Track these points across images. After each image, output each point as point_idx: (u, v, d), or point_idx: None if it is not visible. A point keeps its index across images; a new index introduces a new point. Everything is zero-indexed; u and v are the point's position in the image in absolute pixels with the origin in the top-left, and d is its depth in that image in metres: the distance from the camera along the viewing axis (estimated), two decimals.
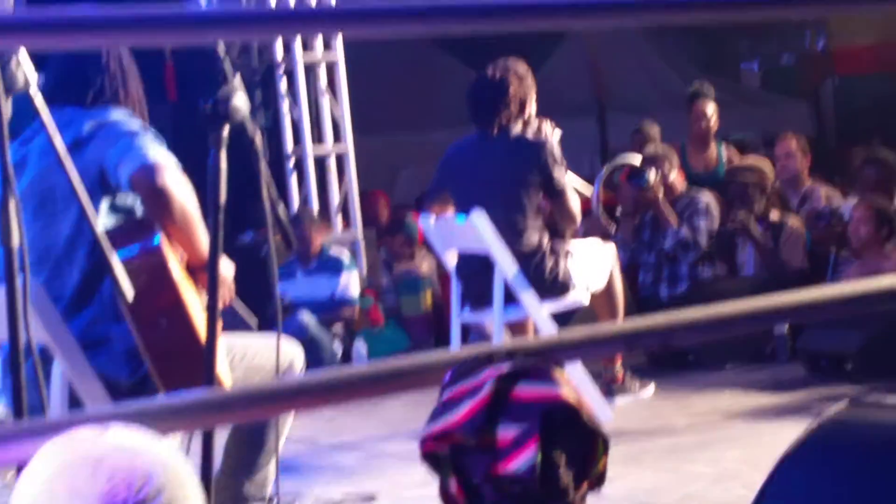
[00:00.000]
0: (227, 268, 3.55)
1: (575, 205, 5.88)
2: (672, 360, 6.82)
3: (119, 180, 3.40)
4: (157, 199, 3.33)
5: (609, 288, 6.09)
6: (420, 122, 13.74)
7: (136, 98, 3.67)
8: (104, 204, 3.46)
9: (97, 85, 3.60)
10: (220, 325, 3.62)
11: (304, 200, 9.43)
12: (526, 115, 5.90)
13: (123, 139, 3.41)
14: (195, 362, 3.16)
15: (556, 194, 5.80)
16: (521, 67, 5.93)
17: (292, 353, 3.75)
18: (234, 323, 3.83)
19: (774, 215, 7.36)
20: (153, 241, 3.31)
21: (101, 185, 3.43)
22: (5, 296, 2.45)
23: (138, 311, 3.23)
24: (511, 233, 5.67)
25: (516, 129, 5.84)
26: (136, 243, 3.30)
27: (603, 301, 6.11)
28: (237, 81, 2.46)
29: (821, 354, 6.38)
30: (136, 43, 1.52)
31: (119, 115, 3.56)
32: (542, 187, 5.77)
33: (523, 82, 5.88)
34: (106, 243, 2.79)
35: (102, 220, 3.43)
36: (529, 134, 5.86)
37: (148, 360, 3.28)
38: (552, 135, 5.98)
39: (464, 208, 5.77)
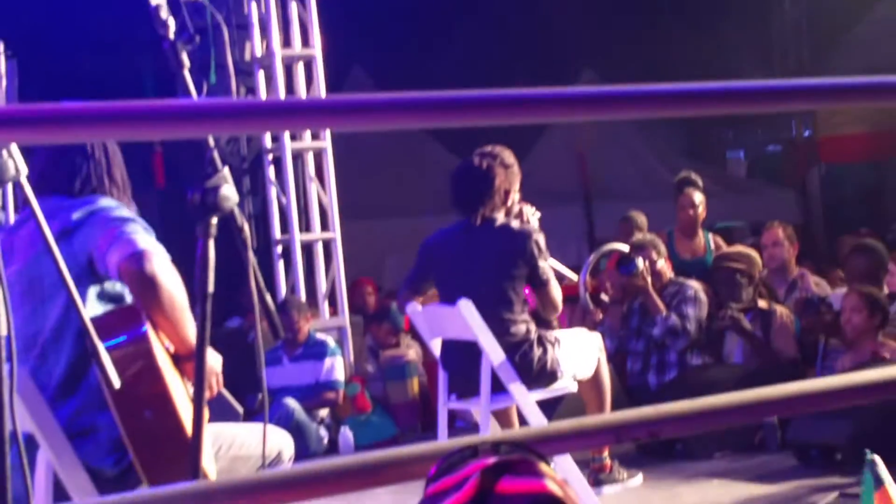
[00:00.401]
0: (214, 358, 3.54)
1: (557, 294, 5.88)
2: (660, 449, 6.79)
3: (107, 268, 3.40)
4: (145, 288, 3.32)
5: (596, 377, 6.07)
6: (407, 208, 13.81)
7: (122, 185, 3.68)
8: (92, 292, 3.46)
9: (83, 173, 3.61)
10: (206, 415, 3.60)
11: (292, 287, 9.44)
12: (509, 203, 5.92)
13: (112, 227, 3.41)
14: (180, 453, 3.14)
15: (540, 284, 5.80)
16: (508, 156, 5.95)
17: (280, 442, 3.72)
18: (221, 411, 3.80)
19: (763, 304, 7.37)
20: (140, 331, 3.30)
21: (89, 273, 3.43)
22: None
23: (123, 400, 3.21)
24: (498, 323, 5.66)
25: (500, 217, 5.85)
26: (124, 332, 3.29)
27: (591, 390, 6.10)
28: (226, 171, 2.47)
29: (811, 445, 6.35)
30: (127, 137, 1.54)
31: (107, 203, 3.56)
32: (527, 278, 5.77)
33: (509, 171, 5.89)
34: (92, 331, 2.78)
35: (90, 308, 3.42)
36: (513, 223, 5.87)
37: (132, 451, 3.25)
38: (533, 217, 6.01)
39: (448, 298, 5.77)
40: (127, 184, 3.72)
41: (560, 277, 8.84)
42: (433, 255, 6.02)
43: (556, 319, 8.49)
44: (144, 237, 3.39)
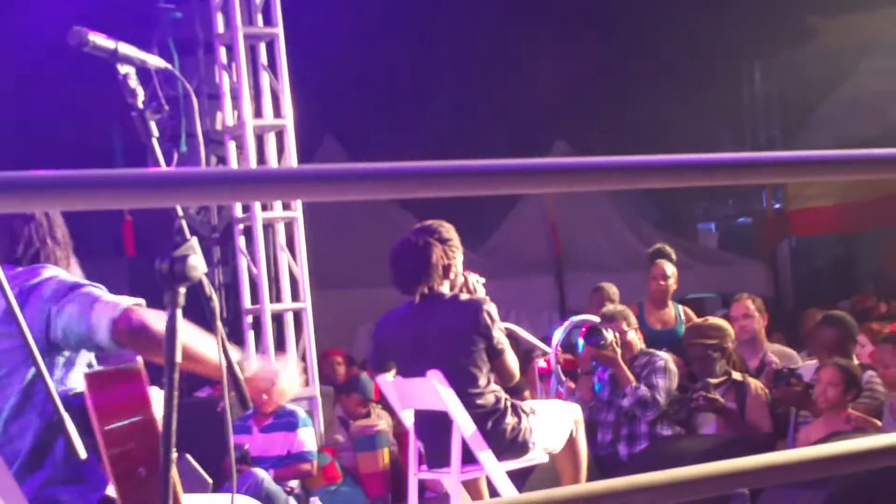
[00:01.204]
0: (291, 383, 3.47)
1: (513, 363, 5.86)
2: None
3: (98, 336, 3.31)
4: (142, 339, 3.25)
5: (573, 448, 6.05)
6: (378, 277, 13.78)
7: (63, 244, 3.61)
8: (60, 360, 3.41)
9: (25, 236, 3.55)
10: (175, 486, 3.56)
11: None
12: (452, 276, 5.89)
13: (81, 296, 3.36)
14: None
15: (496, 354, 5.78)
16: (446, 231, 5.88)
17: None
18: (190, 481, 3.76)
19: (737, 376, 7.37)
20: (140, 387, 3.24)
21: (46, 344, 3.35)
22: None
23: (117, 458, 3.14)
24: (463, 397, 5.64)
25: (444, 290, 5.82)
26: (123, 390, 3.22)
27: (566, 460, 6.08)
28: (194, 241, 2.46)
29: None
30: (96, 206, 1.53)
31: (53, 272, 3.49)
32: (484, 348, 5.74)
33: (447, 246, 5.83)
34: (58, 401, 2.75)
35: (58, 377, 3.38)
36: (462, 295, 5.85)
37: None
38: (479, 285, 5.99)
39: (412, 374, 5.77)
40: (69, 242, 3.65)
41: (531, 348, 8.87)
42: (387, 338, 5.99)
43: (528, 390, 8.50)
44: (113, 296, 3.33)
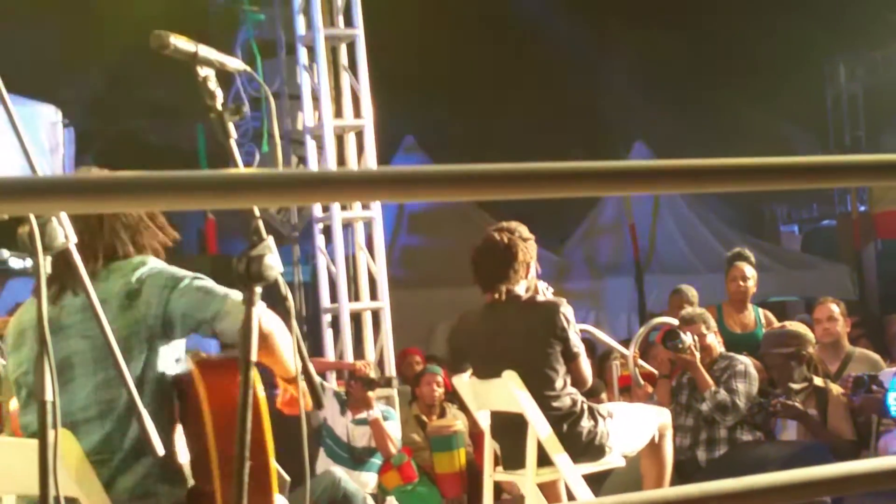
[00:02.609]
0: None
1: (587, 368, 5.86)
2: None
3: (227, 335, 3.39)
4: (265, 343, 3.30)
5: (658, 452, 6.02)
6: (456, 277, 13.81)
7: (162, 236, 3.71)
8: (164, 351, 3.48)
9: (128, 229, 3.63)
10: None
11: (340, 356, 9.46)
12: (528, 279, 5.91)
13: (204, 292, 3.43)
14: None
15: (570, 357, 5.77)
16: (525, 231, 5.93)
17: None
18: None
19: (819, 381, 7.27)
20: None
21: (160, 334, 3.45)
22: (38, 449, 2.44)
23: (225, 444, 3.17)
24: (542, 396, 5.64)
25: (521, 291, 5.84)
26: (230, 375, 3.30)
27: (650, 465, 6.05)
28: (270, 241, 2.48)
29: None
30: (176, 207, 1.55)
31: (160, 263, 3.60)
32: (560, 351, 5.74)
33: (528, 244, 5.88)
34: (137, 397, 2.79)
35: (163, 368, 3.46)
36: (538, 297, 5.87)
37: (217, 495, 3.22)
38: (548, 293, 6.01)
39: (488, 375, 5.78)
40: (168, 234, 3.74)
41: (609, 350, 8.83)
42: (463, 339, 6.02)
43: (605, 392, 8.47)
44: (237, 293, 3.39)
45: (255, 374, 3.27)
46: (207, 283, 3.48)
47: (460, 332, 6.07)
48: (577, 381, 5.84)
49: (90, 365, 3.49)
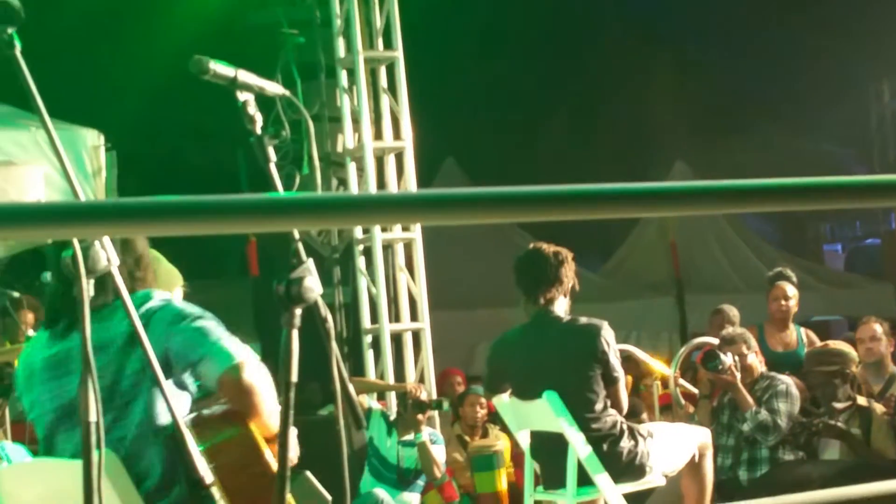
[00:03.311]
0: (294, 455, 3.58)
1: (624, 395, 5.87)
2: None
3: (203, 378, 3.44)
4: (244, 398, 3.39)
5: (699, 472, 6.01)
6: (496, 297, 13.82)
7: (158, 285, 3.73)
8: (168, 385, 3.49)
9: (144, 260, 3.66)
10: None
11: (381, 376, 9.48)
12: (568, 297, 5.95)
13: (194, 329, 3.45)
14: None
15: (610, 381, 5.79)
16: (566, 251, 5.98)
17: None
18: (310, 498, 3.81)
19: (862, 401, 7.22)
20: (245, 428, 3.36)
21: (163, 367, 3.43)
22: (83, 469, 2.47)
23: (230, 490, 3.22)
24: (582, 419, 5.64)
25: (561, 312, 5.87)
26: (228, 428, 3.35)
27: (690, 484, 6.04)
28: (310, 263, 2.51)
29: None
30: (218, 230, 1.56)
31: (162, 295, 3.59)
32: (600, 374, 5.75)
33: (569, 267, 5.93)
34: (183, 427, 2.81)
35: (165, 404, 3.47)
36: (581, 318, 5.88)
37: None
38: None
39: (528, 395, 5.79)
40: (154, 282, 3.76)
41: (649, 370, 8.80)
42: (503, 359, 6.03)
43: (645, 412, 8.44)
44: (232, 342, 3.42)
45: (256, 433, 3.32)
46: (208, 324, 3.47)
47: (500, 351, 6.09)
48: (615, 406, 5.85)
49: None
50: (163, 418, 3.41)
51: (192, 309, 3.53)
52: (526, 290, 5.94)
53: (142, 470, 3.45)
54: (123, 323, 3.41)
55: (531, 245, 6.10)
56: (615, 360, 5.78)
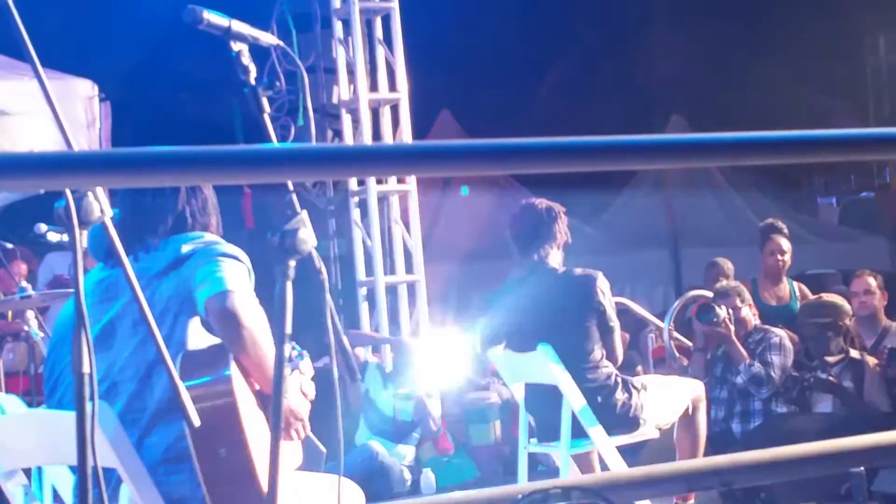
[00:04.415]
0: (300, 404, 3.59)
1: (619, 344, 5.88)
2: (743, 499, 6.69)
3: (197, 304, 3.47)
4: (227, 326, 3.39)
5: (692, 424, 6.04)
6: (491, 251, 13.82)
7: (215, 229, 3.78)
8: (194, 322, 3.53)
9: (181, 214, 3.72)
10: (287, 459, 3.62)
11: (375, 329, 9.49)
12: (561, 250, 5.96)
13: (209, 264, 3.50)
14: (250, 497, 3.20)
15: (606, 331, 5.80)
16: (559, 206, 5.97)
17: (353, 497, 3.74)
18: (307, 453, 3.83)
19: (855, 354, 7.24)
20: (224, 372, 3.34)
21: (190, 303, 3.49)
22: (76, 421, 2.47)
23: (200, 438, 3.25)
24: (574, 373, 5.65)
25: (556, 264, 5.88)
26: (209, 372, 3.34)
27: (684, 437, 6.07)
28: (304, 215, 2.50)
29: None
30: (211, 181, 1.56)
31: (212, 238, 3.68)
32: (595, 324, 5.77)
33: (563, 221, 5.94)
34: (172, 368, 2.81)
35: (193, 339, 3.52)
36: (576, 269, 5.89)
37: (204, 488, 3.29)
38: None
39: (523, 348, 5.80)
40: (219, 229, 3.82)
41: (644, 323, 8.82)
42: (498, 311, 6.04)
43: (640, 365, 8.47)
44: (234, 277, 3.45)
45: (234, 369, 3.33)
46: (226, 261, 3.52)
47: (494, 305, 6.09)
48: (610, 356, 5.86)
49: (130, 327, 3.59)
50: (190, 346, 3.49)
51: (226, 249, 3.60)
52: (520, 247, 5.94)
53: (148, 397, 3.51)
54: (170, 254, 3.59)
55: (523, 201, 6.08)
56: (611, 310, 5.79)
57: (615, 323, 5.82)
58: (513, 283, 6.00)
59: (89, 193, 2.28)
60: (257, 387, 3.46)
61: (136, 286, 2.57)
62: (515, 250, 5.99)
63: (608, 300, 5.79)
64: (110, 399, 3.49)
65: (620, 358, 5.97)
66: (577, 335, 5.73)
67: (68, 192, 2.26)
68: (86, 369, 2.34)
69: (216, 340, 3.52)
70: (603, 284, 5.78)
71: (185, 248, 3.60)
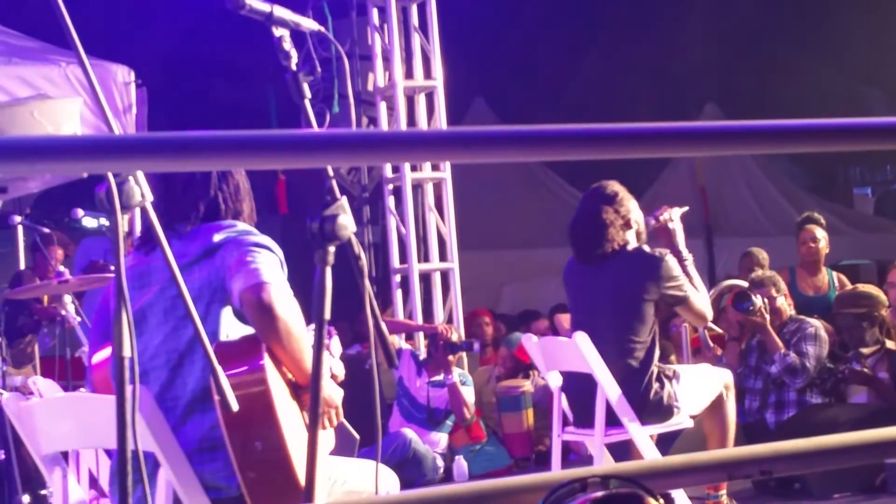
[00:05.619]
0: (334, 391, 3.61)
1: (701, 303, 5.86)
2: (778, 489, 6.68)
3: (231, 295, 3.48)
4: (262, 317, 3.39)
5: (721, 413, 6.01)
6: (524, 238, 13.81)
7: (248, 216, 3.79)
8: (226, 311, 3.54)
9: (212, 200, 3.72)
10: (328, 444, 3.64)
11: (409, 316, 9.51)
12: (633, 228, 5.93)
13: (243, 254, 3.51)
14: (286, 487, 3.22)
15: (679, 301, 5.79)
16: (609, 188, 5.95)
17: (388, 484, 3.75)
18: (339, 438, 3.85)
19: (891, 344, 7.20)
20: (258, 363, 3.36)
21: (223, 293, 3.51)
22: (115, 404, 2.49)
23: (235, 428, 3.27)
24: (618, 352, 5.66)
25: (631, 242, 5.87)
26: (243, 363, 3.36)
27: (713, 426, 6.04)
28: (343, 200, 2.51)
29: None
30: (249, 166, 1.57)
31: (245, 227, 3.68)
32: (662, 301, 5.77)
33: (620, 207, 5.90)
34: (212, 354, 2.83)
35: (225, 327, 3.53)
36: (645, 247, 5.88)
37: (240, 478, 3.31)
38: (676, 213, 6.06)
39: (580, 322, 5.81)
40: (253, 215, 3.83)
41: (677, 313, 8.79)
42: (568, 279, 6.07)
43: (673, 354, 8.45)
44: (268, 268, 3.46)
45: (267, 359, 3.34)
46: (260, 252, 3.53)
47: (566, 281, 6.11)
48: (696, 318, 5.92)
49: (161, 315, 3.60)
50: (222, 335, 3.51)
51: (259, 238, 3.60)
52: (585, 259, 5.94)
53: (181, 385, 3.54)
54: (201, 242, 3.61)
55: (578, 207, 6.06)
56: (677, 284, 5.77)
57: (685, 291, 5.77)
58: (572, 263, 6.04)
59: (130, 178, 2.30)
60: (290, 376, 3.48)
61: (177, 274, 2.59)
62: (581, 261, 5.99)
63: (674, 276, 5.76)
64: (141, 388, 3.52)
65: (709, 316, 5.99)
66: (626, 319, 5.73)
67: (110, 175, 2.28)
68: (126, 353, 2.36)
69: (248, 330, 3.54)
70: (671, 262, 5.79)
71: (217, 237, 3.61)
